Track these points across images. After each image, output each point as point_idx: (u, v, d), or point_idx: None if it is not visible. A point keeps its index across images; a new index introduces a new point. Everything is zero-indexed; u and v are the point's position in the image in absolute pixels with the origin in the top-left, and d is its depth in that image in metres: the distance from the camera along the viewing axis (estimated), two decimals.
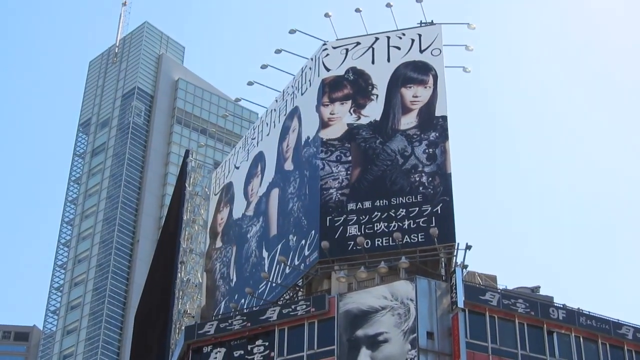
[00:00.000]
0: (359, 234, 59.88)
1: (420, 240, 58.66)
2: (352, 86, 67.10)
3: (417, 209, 59.97)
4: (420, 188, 60.93)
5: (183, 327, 65.43)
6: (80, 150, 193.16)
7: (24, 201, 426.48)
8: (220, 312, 68.77)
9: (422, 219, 59.39)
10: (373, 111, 65.31)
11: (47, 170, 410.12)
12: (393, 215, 60.18)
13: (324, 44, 69.83)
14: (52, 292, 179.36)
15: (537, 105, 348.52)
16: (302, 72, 71.97)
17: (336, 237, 60.47)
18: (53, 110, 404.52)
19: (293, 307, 57.55)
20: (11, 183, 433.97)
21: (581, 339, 56.48)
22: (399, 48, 67.37)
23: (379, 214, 60.57)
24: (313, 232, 61.82)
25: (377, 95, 65.93)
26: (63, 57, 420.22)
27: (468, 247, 56.31)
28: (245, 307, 64.59)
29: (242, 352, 57.29)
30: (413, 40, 67.23)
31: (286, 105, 73.08)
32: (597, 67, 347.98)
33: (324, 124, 65.92)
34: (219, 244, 76.63)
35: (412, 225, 59.42)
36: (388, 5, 69.28)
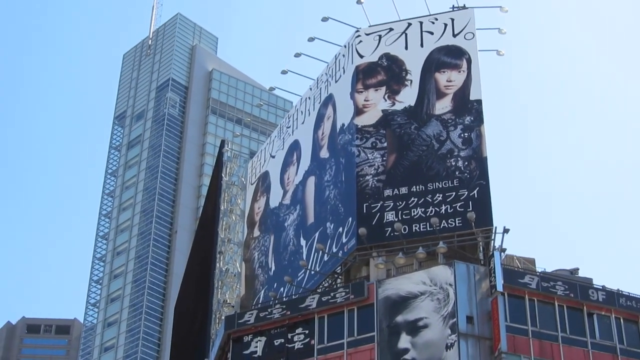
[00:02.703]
0: (396, 220, 59.95)
1: (457, 224, 58.67)
2: (385, 72, 67.13)
3: (454, 193, 59.97)
4: (457, 172, 60.93)
5: (223, 317, 65.79)
6: (116, 143, 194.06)
7: (62, 195, 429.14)
8: (260, 301, 69.12)
9: (459, 204, 59.41)
10: (407, 97, 65.31)
11: (83, 164, 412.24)
12: (430, 200, 60.23)
13: (357, 31, 69.88)
14: (92, 285, 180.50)
15: (570, 85, 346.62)
16: (336, 59, 72.06)
17: (373, 223, 60.57)
18: (88, 104, 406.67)
19: (332, 294, 57.78)
20: (50, 178, 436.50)
21: (621, 320, 56.36)
22: (431, 33, 67.29)
23: (416, 199, 60.64)
24: (350, 219, 61.98)
25: (411, 81, 65.92)
26: (97, 50, 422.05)
27: (506, 231, 56.35)
28: (284, 295, 64.85)
29: (282, 340, 57.60)
30: (446, 25, 67.13)
31: (320, 93, 73.19)
32: (632, 44, 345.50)
33: (358, 111, 66.00)
34: (256, 233, 76.90)
35: (449, 210, 59.44)
36: None
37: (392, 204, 60.98)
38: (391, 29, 68.66)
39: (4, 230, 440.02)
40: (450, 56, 65.85)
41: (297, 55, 73.73)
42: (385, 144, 63.94)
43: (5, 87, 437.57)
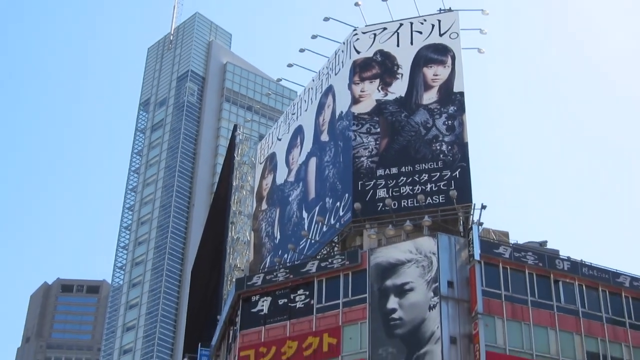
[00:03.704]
0: (387, 196, 60.03)
1: (441, 201, 58.74)
2: (379, 66, 67.03)
3: (438, 174, 60.00)
4: (441, 155, 60.92)
5: (234, 280, 65.84)
6: (141, 126, 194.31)
7: (92, 172, 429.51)
8: (266, 266, 69.21)
9: (443, 183, 59.44)
10: (398, 88, 65.25)
11: (113, 144, 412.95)
12: (417, 179, 60.27)
13: (355, 30, 69.75)
14: (118, 251, 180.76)
15: (541, 78, 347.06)
16: (336, 54, 71.97)
17: (367, 199, 60.62)
18: (117, 92, 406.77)
19: (330, 260, 57.85)
20: (81, 156, 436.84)
21: (584, 287, 56.48)
22: (420, 32, 67.17)
23: (405, 178, 60.64)
24: (347, 195, 62.02)
25: (402, 74, 65.84)
26: (125, 44, 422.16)
27: (483, 207, 56.50)
28: (288, 261, 64.92)
29: (285, 300, 57.68)
30: (433, 26, 67.00)
31: (322, 84, 73.13)
32: (602, 46, 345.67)
33: (355, 100, 65.93)
34: (264, 206, 76.96)
35: (433, 188, 59.47)
36: None
37: (383, 182, 61.02)
38: (385, 28, 68.51)
39: (41, 203, 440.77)
40: (436, 53, 65.75)
41: (302, 50, 73.62)
42: (379, 130, 63.91)
43: (49, 72, 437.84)
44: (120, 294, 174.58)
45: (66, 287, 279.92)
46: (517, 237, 60.19)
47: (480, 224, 56.07)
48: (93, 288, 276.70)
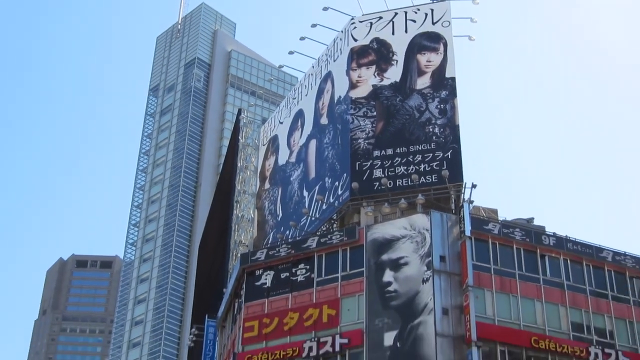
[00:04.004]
0: (383, 176, 60.00)
1: (433, 180, 58.74)
2: (376, 53, 66.88)
3: (431, 154, 59.98)
4: (434, 137, 60.88)
5: (239, 255, 65.94)
6: (151, 111, 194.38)
7: (106, 155, 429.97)
8: (269, 242, 69.29)
9: (435, 163, 59.43)
10: (393, 74, 65.16)
11: (124, 128, 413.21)
12: (411, 160, 60.24)
13: (352, 19, 69.53)
14: (130, 228, 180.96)
15: (527, 65, 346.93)
16: (334, 42, 71.79)
17: (364, 179, 60.61)
18: (128, 78, 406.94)
19: (329, 236, 57.86)
20: (96, 140, 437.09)
21: (568, 261, 56.51)
22: (414, 21, 67.01)
23: (400, 159, 60.63)
24: (345, 175, 61.99)
25: (397, 61, 65.74)
26: (135, 34, 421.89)
27: (473, 186, 56.51)
28: (289, 237, 64.98)
29: (287, 274, 57.74)
30: (426, 15, 66.82)
31: (321, 70, 73.01)
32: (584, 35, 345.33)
33: (352, 85, 65.83)
34: (267, 186, 76.99)
35: (427, 169, 59.46)
36: None
37: (379, 162, 60.99)
38: (381, 17, 68.32)
39: (58, 184, 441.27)
40: (429, 40, 65.61)
41: (302, 39, 73.50)
42: (375, 113, 63.85)
43: (68, 60, 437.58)
44: (132, 269, 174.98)
45: (80, 262, 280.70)
46: (506, 214, 60.30)
47: (471, 202, 56.08)
48: (106, 263, 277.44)
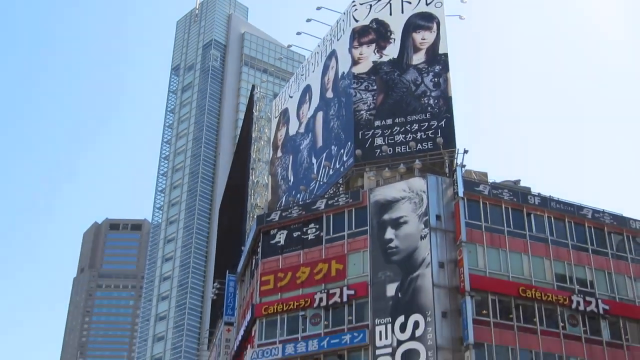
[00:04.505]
0: (384, 143, 59.83)
1: (429, 147, 58.51)
2: (375, 33, 66.37)
3: (427, 124, 59.72)
4: (429, 108, 60.57)
5: (255, 216, 65.96)
6: (173, 88, 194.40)
7: (134, 129, 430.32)
8: (282, 205, 69.27)
9: (431, 131, 59.19)
10: (391, 51, 64.70)
11: (150, 104, 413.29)
12: (409, 129, 59.99)
13: (353, 2, 68.92)
14: (157, 194, 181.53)
15: (511, 40, 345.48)
16: (337, 23, 71.29)
17: (366, 146, 60.42)
18: (152, 59, 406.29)
19: (336, 199, 57.75)
20: (125, 116, 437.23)
21: (552, 219, 56.32)
22: (410, 2, 66.30)
23: (398, 128, 60.39)
24: (349, 143, 61.79)
25: (394, 39, 65.24)
26: (157, 19, 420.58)
27: (465, 152, 56.25)
28: (300, 200, 64.92)
29: (299, 233, 57.74)
30: None
31: (326, 48, 72.58)
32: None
33: (355, 62, 65.42)
34: (279, 154, 76.85)
35: (423, 136, 59.22)
36: None
37: (380, 131, 60.76)
38: (379, 0, 67.77)
39: (93, 155, 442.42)
40: (424, 20, 65.02)
41: (309, 20, 73.27)
42: (375, 87, 63.50)
43: (98, 43, 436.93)
44: (159, 231, 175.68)
45: (113, 225, 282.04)
46: (495, 177, 60.09)
47: (463, 166, 55.82)
48: (136, 226, 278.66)
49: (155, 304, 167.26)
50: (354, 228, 55.53)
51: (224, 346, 68.36)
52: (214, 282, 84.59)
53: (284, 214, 59.45)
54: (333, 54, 70.58)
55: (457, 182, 54.08)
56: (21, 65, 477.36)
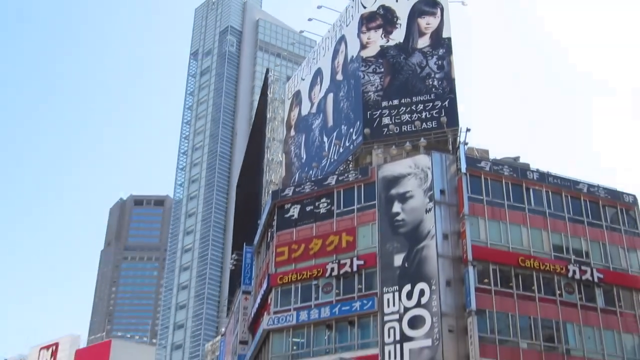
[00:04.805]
0: (391, 123, 59.68)
1: (434, 126, 58.36)
2: (382, 18, 65.93)
3: (431, 104, 59.50)
4: (433, 89, 60.30)
5: (270, 192, 65.99)
6: (192, 72, 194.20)
7: (156, 110, 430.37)
8: (296, 181, 69.29)
9: (435, 111, 58.99)
10: (398, 36, 64.28)
11: (170, 88, 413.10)
12: (414, 109, 59.80)
13: None
14: (178, 171, 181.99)
15: (509, 23, 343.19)
16: (346, 10, 70.88)
17: (374, 125, 60.27)
18: (172, 45, 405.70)
19: (346, 175, 57.75)
20: (148, 98, 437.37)
21: (550, 193, 56.17)
22: None
23: (404, 108, 60.19)
24: (358, 122, 61.64)
25: (400, 24, 64.79)
26: (176, 7, 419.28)
27: (468, 130, 56.17)
28: (312, 176, 64.94)
29: (311, 207, 57.79)
30: None
31: (336, 34, 72.25)
32: None
33: (363, 46, 65.08)
34: (292, 133, 76.80)
35: (427, 116, 59.06)
36: None
37: (387, 112, 60.59)
38: None
39: (117, 136, 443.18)
40: (428, 6, 64.51)
41: (319, 7, 73.28)
42: (383, 70, 63.22)
43: (121, 31, 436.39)
44: (181, 206, 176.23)
45: (138, 201, 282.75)
46: (495, 153, 59.97)
47: (466, 143, 55.69)
48: (159, 201, 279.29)
49: (177, 275, 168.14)
50: (363, 202, 55.53)
51: (242, 313, 68.68)
52: (232, 254, 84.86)
53: (297, 190, 59.50)
54: (342, 38, 70.26)
55: (460, 159, 53.95)
56: (47, 48, 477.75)
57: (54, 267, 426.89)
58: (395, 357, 48.39)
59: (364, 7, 67.12)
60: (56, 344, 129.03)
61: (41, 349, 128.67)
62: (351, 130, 62.79)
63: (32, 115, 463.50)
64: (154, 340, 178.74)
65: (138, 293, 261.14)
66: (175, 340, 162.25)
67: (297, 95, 77.97)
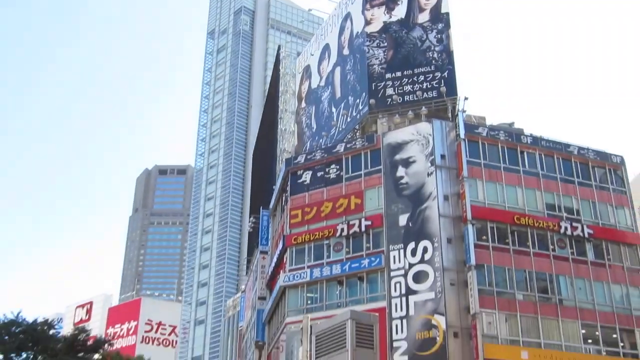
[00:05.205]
0: (394, 93, 59.40)
1: (434, 95, 58.05)
2: None
3: (432, 75, 59.11)
4: (433, 61, 59.86)
5: (284, 159, 66.04)
6: (210, 50, 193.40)
7: (177, 85, 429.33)
8: (307, 149, 69.21)
9: (435, 82, 58.63)
10: (399, 12, 63.73)
11: (189, 64, 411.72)
12: (416, 80, 59.44)
13: None
14: (198, 142, 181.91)
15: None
16: None
17: (379, 96, 60.01)
18: (190, 25, 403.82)
19: (353, 142, 57.65)
20: (169, 75, 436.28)
21: (542, 155, 55.95)
22: None
23: (407, 79, 59.83)
24: (364, 94, 61.37)
25: (402, 1, 64.13)
26: None
27: (466, 99, 56.05)
28: (322, 144, 64.85)
29: (322, 173, 57.82)
30: None
31: (342, 11, 71.64)
32: None
33: (367, 22, 64.58)
34: (303, 105, 76.56)
35: (428, 86, 58.71)
36: None
37: (391, 83, 60.26)
38: None
39: (142, 110, 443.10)
40: None
41: None
42: (386, 44, 62.77)
43: (141, 14, 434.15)
44: (202, 174, 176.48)
45: (162, 170, 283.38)
46: (492, 120, 59.73)
47: (464, 111, 55.42)
48: (181, 170, 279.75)
49: (199, 237, 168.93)
50: (369, 167, 55.51)
51: (260, 272, 69.05)
52: (249, 217, 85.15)
53: (308, 157, 59.47)
54: (348, 16, 69.69)
55: (458, 126, 53.73)
56: (74, 29, 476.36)
57: (86, 233, 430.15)
58: (401, 309, 48.67)
59: None
60: (90, 303, 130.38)
61: (77, 307, 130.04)
62: (357, 100, 62.53)
63: (68, 95, 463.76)
64: (180, 298, 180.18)
65: (164, 255, 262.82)
66: (199, 297, 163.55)
67: (307, 69, 77.58)
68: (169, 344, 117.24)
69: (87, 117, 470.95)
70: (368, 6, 65.50)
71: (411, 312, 48.30)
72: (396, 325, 48.36)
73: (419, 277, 49.06)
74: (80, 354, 49.41)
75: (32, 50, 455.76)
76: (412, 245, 50.35)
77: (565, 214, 53.91)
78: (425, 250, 49.73)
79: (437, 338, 46.91)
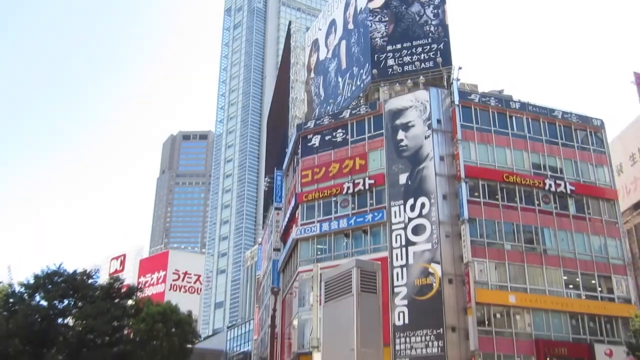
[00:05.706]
0: (395, 64, 58.97)
1: (431, 65, 57.62)
2: None
3: (429, 47, 58.60)
4: (430, 34, 59.32)
5: (295, 125, 65.97)
6: (227, 26, 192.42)
7: (198, 58, 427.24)
8: (316, 115, 69.03)
9: (432, 53, 58.16)
10: None
11: (208, 38, 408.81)
12: (414, 51, 58.97)
13: None
14: (218, 110, 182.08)
15: None
16: None
17: (381, 66, 59.60)
18: (209, 2, 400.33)
19: (358, 109, 57.48)
20: (191, 50, 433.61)
21: (529, 119, 55.68)
22: None
23: (406, 51, 59.37)
24: (367, 64, 60.97)
25: None
26: None
27: (460, 68, 55.67)
28: (330, 111, 64.70)
29: (330, 137, 57.77)
30: None
31: None
32: None
33: None
34: (312, 75, 76.14)
35: (426, 57, 58.25)
36: None
37: (392, 54, 59.78)
38: None
39: (169, 82, 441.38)
40: None
41: None
42: (387, 19, 62.14)
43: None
44: (221, 139, 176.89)
45: (185, 136, 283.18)
46: (483, 87, 59.35)
47: (458, 80, 55.10)
48: (203, 136, 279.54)
49: (220, 196, 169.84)
50: (372, 131, 55.44)
51: (274, 226, 69.50)
52: (265, 177, 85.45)
53: (317, 122, 59.40)
54: None
55: (453, 93, 53.48)
56: (99, 9, 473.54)
57: (119, 193, 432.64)
58: (401, 259, 49.03)
59: None
60: (124, 255, 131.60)
61: (112, 259, 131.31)
62: (361, 71, 62.19)
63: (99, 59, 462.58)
64: (203, 250, 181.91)
65: (189, 212, 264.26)
66: (221, 249, 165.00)
67: (315, 43, 77.05)
68: (194, 291, 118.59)
69: (119, 86, 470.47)
70: None
71: (410, 261, 48.67)
72: (397, 273, 48.77)
73: (418, 230, 49.33)
74: (116, 300, 50.15)
75: (62, 19, 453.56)
76: (411, 201, 50.50)
77: (549, 173, 53.85)
78: (423, 205, 49.90)
79: (434, 284, 47.34)
